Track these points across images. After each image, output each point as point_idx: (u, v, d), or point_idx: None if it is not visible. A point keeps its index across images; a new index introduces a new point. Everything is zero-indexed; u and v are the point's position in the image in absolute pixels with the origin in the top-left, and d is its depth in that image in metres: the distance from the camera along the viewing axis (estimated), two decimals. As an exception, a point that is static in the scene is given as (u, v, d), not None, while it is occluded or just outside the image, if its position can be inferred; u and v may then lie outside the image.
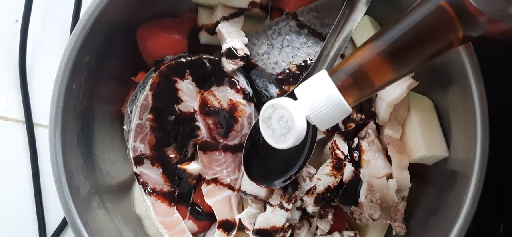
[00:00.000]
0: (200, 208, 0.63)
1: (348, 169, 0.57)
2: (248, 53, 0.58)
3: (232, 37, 0.58)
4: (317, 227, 0.60)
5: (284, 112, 0.44)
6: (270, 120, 0.45)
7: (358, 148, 0.59)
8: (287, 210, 0.57)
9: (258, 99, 0.60)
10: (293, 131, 0.43)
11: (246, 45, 0.59)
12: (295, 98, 0.44)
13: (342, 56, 0.59)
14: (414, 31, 0.40)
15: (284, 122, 0.44)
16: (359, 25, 0.54)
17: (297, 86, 0.46)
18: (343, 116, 0.43)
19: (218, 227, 0.61)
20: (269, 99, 0.58)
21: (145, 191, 0.60)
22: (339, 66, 0.44)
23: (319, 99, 0.42)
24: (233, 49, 0.57)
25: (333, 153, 0.58)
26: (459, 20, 0.39)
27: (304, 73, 0.56)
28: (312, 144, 0.56)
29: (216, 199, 0.61)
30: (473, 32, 0.40)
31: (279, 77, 0.59)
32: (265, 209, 0.59)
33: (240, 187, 0.61)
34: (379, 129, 0.60)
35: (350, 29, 0.53)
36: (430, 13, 0.40)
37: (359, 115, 0.58)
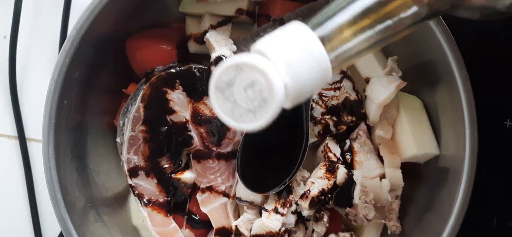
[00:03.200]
0: (197, 217, 0.63)
1: (341, 171, 0.57)
2: (238, 61, 0.58)
3: (221, 46, 0.58)
4: (313, 230, 0.60)
5: (257, 76, 0.29)
6: (231, 88, 0.30)
7: (350, 150, 0.59)
8: (282, 214, 0.57)
9: (249, 106, 0.60)
10: (269, 104, 0.29)
11: (235, 53, 0.59)
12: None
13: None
14: None
15: (256, 91, 0.30)
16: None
17: (259, 41, 0.31)
18: (322, 83, 0.32)
19: (215, 235, 0.61)
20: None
21: (141, 203, 0.60)
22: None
23: (301, 59, 0.30)
24: (223, 57, 0.57)
25: (326, 156, 0.58)
26: None
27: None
28: (305, 148, 0.56)
29: (212, 207, 0.61)
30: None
31: (269, 83, 0.58)
32: (261, 215, 0.60)
33: (235, 194, 0.61)
34: (370, 130, 0.60)
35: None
36: None
37: (349, 117, 0.59)
